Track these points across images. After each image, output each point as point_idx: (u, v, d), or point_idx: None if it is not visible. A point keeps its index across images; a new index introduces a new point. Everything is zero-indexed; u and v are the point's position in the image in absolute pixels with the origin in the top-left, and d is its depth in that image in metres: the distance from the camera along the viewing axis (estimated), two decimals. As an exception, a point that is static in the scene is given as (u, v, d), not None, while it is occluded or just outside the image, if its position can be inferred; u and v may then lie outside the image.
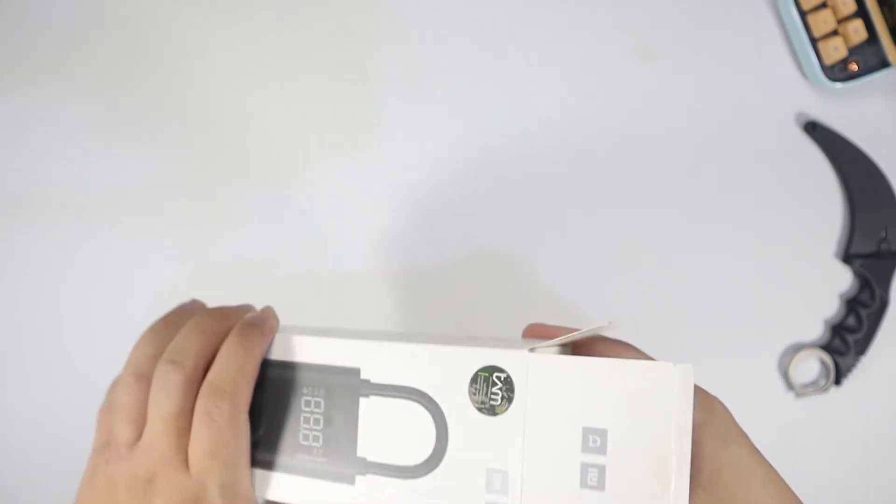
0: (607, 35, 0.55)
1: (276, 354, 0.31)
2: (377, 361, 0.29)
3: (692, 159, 0.54)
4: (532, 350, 0.27)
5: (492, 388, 0.27)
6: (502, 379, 0.27)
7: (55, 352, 0.55)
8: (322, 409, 0.30)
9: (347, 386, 0.30)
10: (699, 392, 0.30)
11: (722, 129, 0.55)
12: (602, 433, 0.25)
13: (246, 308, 0.35)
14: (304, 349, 0.31)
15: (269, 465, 0.31)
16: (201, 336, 0.31)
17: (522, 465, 0.27)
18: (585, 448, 0.26)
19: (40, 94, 0.55)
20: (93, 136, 0.55)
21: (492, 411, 0.27)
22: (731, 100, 0.55)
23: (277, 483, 0.31)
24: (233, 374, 0.30)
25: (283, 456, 0.31)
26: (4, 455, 0.54)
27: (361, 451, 0.29)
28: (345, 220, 0.54)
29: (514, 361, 0.27)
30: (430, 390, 0.28)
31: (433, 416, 0.28)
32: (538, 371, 0.26)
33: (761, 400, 0.54)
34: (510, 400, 0.27)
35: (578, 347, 0.31)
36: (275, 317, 0.33)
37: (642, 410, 0.25)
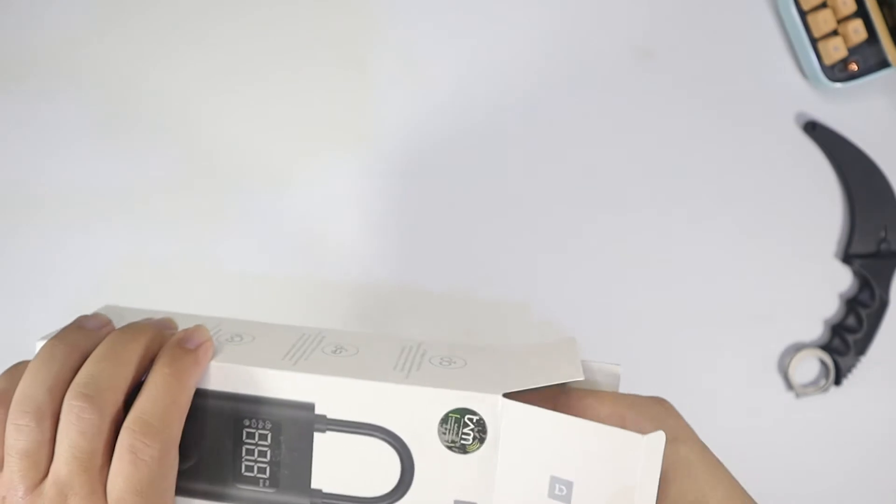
0: (607, 35, 0.55)
1: (213, 384, 0.29)
2: (335, 397, 0.28)
3: (692, 159, 0.54)
4: (506, 395, 0.27)
5: (463, 429, 0.28)
6: (474, 420, 0.28)
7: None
8: (269, 442, 0.29)
9: (300, 419, 0.29)
10: (645, 398, 0.30)
11: (722, 130, 0.54)
12: (568, 484, 0.27)
13: (165, 324, 0.31)
14: (245, 380, 0.29)
15: (204, 494, 0.30)
16: (119, 366, 0.28)
17: (491, 499, 0.28)
18: (552, 494, 0.27)
19: (39, 94, 0.55)
20: (92, 136, 0.55)
21: (462, 450, 0.28)
22: (732, 100, 0.55)
23: None
24: (164, 408, 0.27)
25: (222, 486, 0.29)
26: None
27: (316, 483, 0.29)
28: (344, 221, 0.54)
29: (487, 405, 0.27)
30: (395, 428, 0.28)
31: (398, 452, 0.28)
32: (511, 417, 0.27)
33: (761, 400, 0.54)
34: (482, 440, 0.28)
35: (553, 394, 0.30)
36: (209, 339, 0.29)
37: (609, 472, 0.26)
